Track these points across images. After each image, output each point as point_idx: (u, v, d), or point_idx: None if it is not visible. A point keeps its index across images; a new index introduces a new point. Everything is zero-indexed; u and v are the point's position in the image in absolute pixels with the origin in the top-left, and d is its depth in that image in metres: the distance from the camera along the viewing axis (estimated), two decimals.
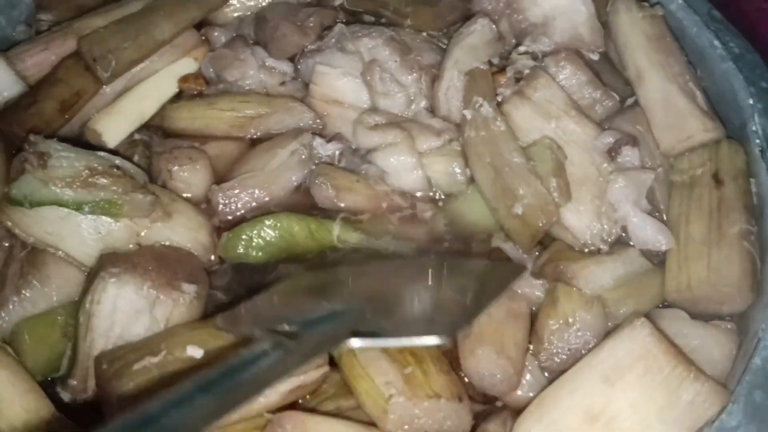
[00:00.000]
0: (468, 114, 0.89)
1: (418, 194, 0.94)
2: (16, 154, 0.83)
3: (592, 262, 0.82)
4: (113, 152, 0.90)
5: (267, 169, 0.93)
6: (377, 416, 0.74)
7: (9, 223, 0.83)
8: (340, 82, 0.98)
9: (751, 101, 0.89)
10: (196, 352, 0.73)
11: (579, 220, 0.85)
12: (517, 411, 0.76)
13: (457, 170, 0.92)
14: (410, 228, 0.91)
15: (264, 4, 1.08)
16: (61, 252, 0.84)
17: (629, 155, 0.88)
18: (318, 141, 0.96)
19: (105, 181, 0.81)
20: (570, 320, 0.80)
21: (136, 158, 0.95)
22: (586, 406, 0.71)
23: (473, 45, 0.96)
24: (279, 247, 0.88)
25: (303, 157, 0.95)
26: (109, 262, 0.80)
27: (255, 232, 0.88)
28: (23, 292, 0.82)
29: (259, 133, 0.99)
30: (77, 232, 0.83)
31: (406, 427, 0.73)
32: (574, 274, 0.81)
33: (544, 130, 0.88)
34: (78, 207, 0.81)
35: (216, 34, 1.07)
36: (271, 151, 0.95)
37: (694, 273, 0.81)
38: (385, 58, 0.98)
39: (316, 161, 0.96)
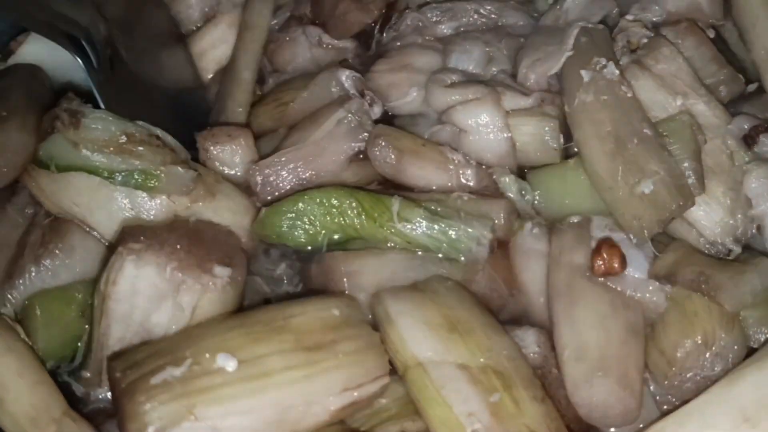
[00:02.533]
0: (586, 75, 0.75)
1: (498, 163, 0.81)
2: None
3: (736, 272, 0.69)
4: None
5: (311, 141, 0.82)
6: None
7: (34, 188, 0.76)
8: (417, 50, 0.90)
9: None
10: (228, 364, 0.60)
11: (708, 215, 0.74)
12: None
13: (551, 136, 0.79)
14: (486, 206, 0.77)
15: None
16: (87, 227, 0.76)
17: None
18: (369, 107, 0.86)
19: (142, 149, 0.73)
20: (709, 341, 0.67)
21: None
22: None
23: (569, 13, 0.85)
24: (327, 227, 0.75)
25: (353, 125, 0.83)
26: (131, 235, 0.69)
27: (296, 208, 0.75)
28: (43, 261, 0.75)
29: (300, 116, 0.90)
30: (108, 206, 0.75)
31: None
32: (719, 286, 0.67)
33: (668, 108, 0.76)
34: (110, 175, 0.72)
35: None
36: (315, 122, 0.85)
37: None
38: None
39: (369, 129, 0.84)
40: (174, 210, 0.75)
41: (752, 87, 0.85)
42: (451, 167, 0.80)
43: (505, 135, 0.80)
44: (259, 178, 0.82)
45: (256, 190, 0.82)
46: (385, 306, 0.69)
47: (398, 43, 0.94)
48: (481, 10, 0.93)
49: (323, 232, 0.76)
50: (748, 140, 0.76)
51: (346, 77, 0.88)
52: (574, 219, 0.76)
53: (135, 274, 0.67)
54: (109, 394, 0.69)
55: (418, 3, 0.97)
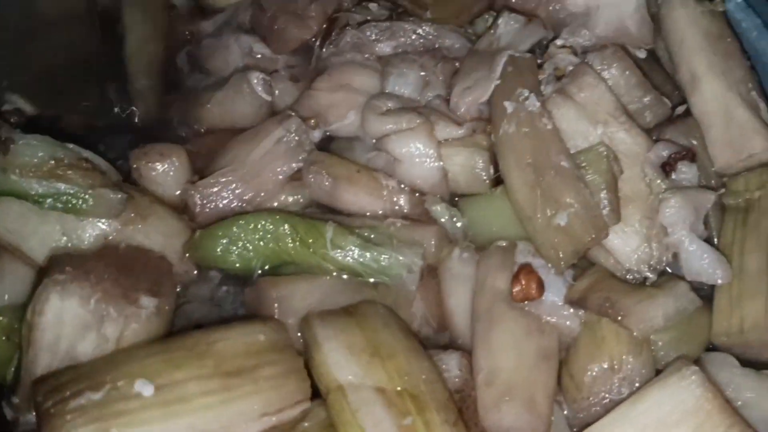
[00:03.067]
0: (509, 106, 0.78)
1: (430, 191, 0.84)
2: None
3: (644, 296, 0.72)
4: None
5: (249, 160, 0.83)
6: None
7: None
8: (355, 69, 0.91)
9: None
10: (145, 389, 0.62)
11: (624, 243, 0.76)
12: None
13: (481, 166, 0.81)
14: (418, 233, 0.79)
15: None
16: (22, 254, 0.77)
17: (686, 172, 0.79)
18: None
19: (71, 173, 0.74)
20: (616, 366, 0.70)
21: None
22: None
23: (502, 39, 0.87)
24: (261, 252, 0.78)
25: (292, 144, 0.85)
26: (57, 265, 0.71)
27: (230, 232, 0.77)
28: None
29: (219, 124, 0.92)
30: (40, 232, 0.76)
31: None
32: (627, 311, 0.70)
33: (589, 137, 0.78)
34: (38, 200, 0.73)
35: (204, 23, 1.02)
36: (253, 140, 0.85)
37: (748, 313, 0.73)
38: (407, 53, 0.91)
39: (308, 149, 0.86)
40: (106, 233, 0.76)
41: (681, 109, 0.86)
42: (384, 194, 0.82)
43: (438, 164, 0.82)
44: (197, 199, 0.83)
45: (194, 211, 0.83)
46: (313, 330, 0.71)
47: (337, 59, 0.94)
48: (420, 31, 0.94)
49: (258, 256, 0.78)
50: (666, 168, 0.78)
51: (258, 80, 0.91)
52: (502, 243, 0.79)
53: (60, 306, 0.70)
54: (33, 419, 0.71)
55: (358, 21, 0.98)
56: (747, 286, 0.73)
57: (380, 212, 0.82)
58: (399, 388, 0.66)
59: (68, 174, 0.73)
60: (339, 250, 0.76)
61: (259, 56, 0.97)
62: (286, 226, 0.76)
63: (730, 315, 0.73)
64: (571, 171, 0.74)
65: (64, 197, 0.73)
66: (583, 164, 0.76)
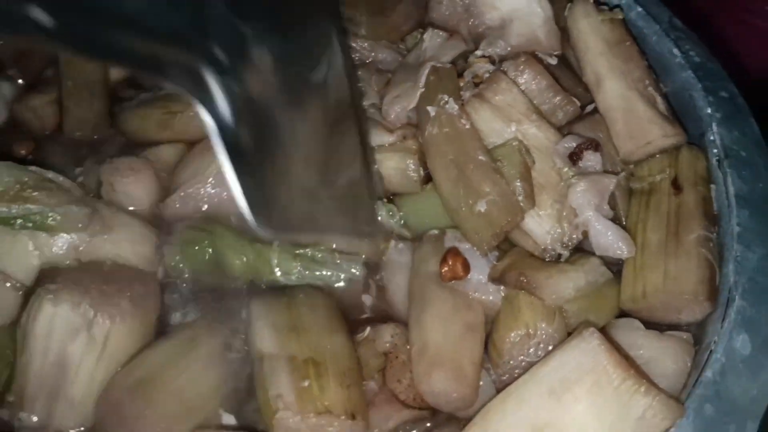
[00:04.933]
0: (432, 111, 0.86)
1: None
2: None
3: (556, 271, 0.80)
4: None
5: (209, 172, 0.89)
6: (267, 429, 0.73)
7: None
8: None
9: (709, 110, 0.88)
10: None
11: (540, 226, 0.83)
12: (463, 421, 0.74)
13: (412, 168, 0.89)
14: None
15: None
16: (3, 275, 0.81)
17: (591, 160, 0.86)
18: None
19: (37, 194, 0.79)
20: (531, 332, 0.78)
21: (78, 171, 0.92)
22: (532, 420, 0.68)
23: (427, 52, 0.95)
24: (211, 266, 0.85)
25: None
26: (48, 278, 0.77)
27: (187, 247, 0.84)
28: None
29: (185, 134, 0.96)
30: (15, 250, 0.81)
31: None
32: (539, 284, 0.78)
33: (504, 134, 0.86)
34: (8, 222, 0.78)
35: None
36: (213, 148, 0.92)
37: (650, 281, 0.78)
38: None
39: None
40: (76, 245, 0.81)
41: (590, 108, 0.93)
42: None
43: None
44: (169, 213, 0.89)
45: (168, 224, 0.88)
46: (250, 309, 0.82)
47: None
48: (356, 45, 1.02)
49: (207, 269, 0.85)
50: (574, 157, 0.85)
51: None
52: (434, 232, 0.88)
53: (52, 312, 0.76)
54: (26, 416, 0.77)
55: None
56: (649, 258, 0.80)
57: None
58: (306, 357, 0.75)
59: (34, 195, 0.78)
60: (285, 275, 0.85)
61: None
62: (235, 251, 0.84)
63: (634, 283, 0.79)
64: (487, 164, 0.82)
65: (33, 217, 0.78)
66: (499, 158, 0.84)
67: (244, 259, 0.84)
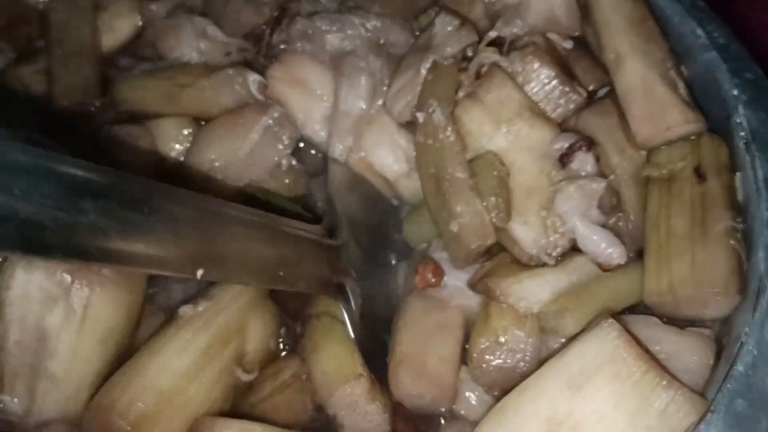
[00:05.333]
0: (420, 117, 0.84)
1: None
2: None
3: (525, 276, 0.78)
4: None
5: (241, 153, 0.87)
6: None
7: None
8: (308, 62, 0.94)
9: (735, 92, 0.84)
10: None
11: (526, 233, 0.81)
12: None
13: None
14: None
15: None
16: None
17: (582, 161, 0.82)
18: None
19: None
20: (501, 339, 0.77)
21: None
22: (550, 413, 0.66)
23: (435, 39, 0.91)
24: None
25: (279, 134, 0.89)
26: None
27: None
28: None
29: (193, 109, 0.93)
30: None
31: None
32: (503, 292, 0.77)
33: (494, 137, 0.83)
34: None
35: (153, 8, 1.02)
36: (238, 131, 0.89)
37: (677, 271, 0.76)
38: (354, 51, 0.95)
39: (287, 139, 0.90)
40: None
41: (602, 92, 0.90)
42: None
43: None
44: None
45: None
46: None
47: (287, 47, 0.97)
48: (367, 25, 0.98)
49: None
50: (564, 159, 0.82)
51: (253, 80, 0.92)
52: (421, 247, 0.88)
53: (26, 279, 0.72)
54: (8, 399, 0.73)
55: (309, 11, 1.01)
56: (675, 246, 0.77)
57: None
58: None
59: None
60: None
61: (212, 38, 0.98)
62: None
63: (659, 274, 0.77)
64: (464, 182, 0.80)
65: None
66: (476, 173, 0.81)
67: None
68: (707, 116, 0.87)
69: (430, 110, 0.82)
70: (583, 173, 0.81)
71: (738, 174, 0.82)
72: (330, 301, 0.82)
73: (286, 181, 0.91)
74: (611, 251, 0.78)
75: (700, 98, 0.89)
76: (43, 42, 1.02)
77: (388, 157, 0.91)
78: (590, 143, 0.82)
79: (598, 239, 0.78)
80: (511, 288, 0.77)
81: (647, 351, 0.68)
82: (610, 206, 0.82)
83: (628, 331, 0.68)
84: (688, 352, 0.73)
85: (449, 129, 0.82)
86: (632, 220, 0.83)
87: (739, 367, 0.68)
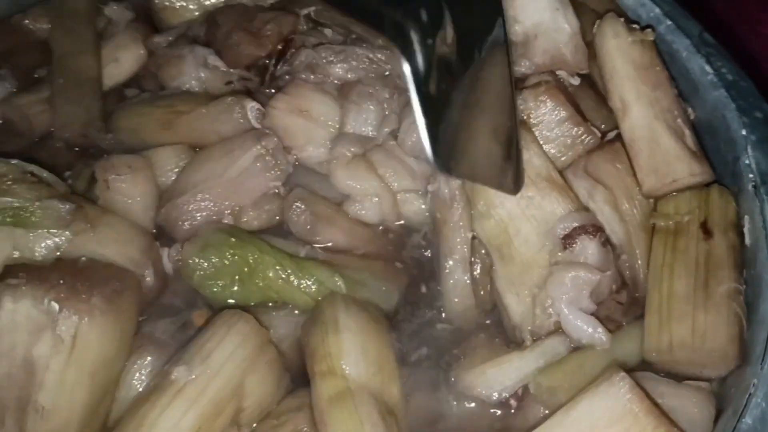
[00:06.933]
0: (431, 188, 0.84)
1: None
2: None
3: (491, 366, 0.78)
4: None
5: (226, 178, 0.85)
6: None
7: None
8: (312, 92, 0.93)
9: (744, 132, 0.83)
10: None
11: (516, 304, 0.81)
12: None
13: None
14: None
15: (218, 4, 1.04)
16: None
17: (584, 248, 0.80)
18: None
19: (16, 187, 0.75)
20: None
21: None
22: None
23: None
24: (247, 288, 0.81)
25: (269, 164, 0.87)
26: (11, 273, 0.71)
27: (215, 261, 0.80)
28: None
29: (190, 136, 0.91)
30: None
31: None
32: (466, 385, 0.79)
33: (506, 201, 0.82)
34: None
35: (156, 40, 1.02)
36: (229, 155, 0.87)
37: (677, 334, 0.75)
38: (361, 81, 0.94)
39: (278, 171, 0.87)
40: (57, 244, 0.76)
41: (612, 135, 0.88)
42: (358, 232, 0.87)
43: (396, 222, 0.90)
44: (179, 216, 0.84)
45: (176, 229, 0.84)
46: None
47: (291, 78, 0.96)
48: (371, 56, 0.97)
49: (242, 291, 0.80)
50: (567, 240, 0.79)
51: (251, 108, 0.92)
52: None
53: (13, 308, 0.70)
54: None
55: (313, 42, 1.01)
56: (676, 308, 0.76)
57: (351, 247, 0.87)
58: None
59: (14, 188, 0.74)
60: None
61: (213, 67, 0.98)
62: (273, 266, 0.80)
63: (659, 334, 0.75)
64: (459, 266, 0.81)
65: (12, 211, 0.73)
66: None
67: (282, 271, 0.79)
68: (716, 158, 0.86)
69: (434, 187, 0.83)
70: (582, 259, 0.79)
71: (746, 217, 0.80)
72: (335, 355, 0.74)
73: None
74: (596, 337, 0.76)
75: (709, 138, 0.88)
76: (45, 71, 1.02)
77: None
78: (598, 230, 0.80)
79: (583, 326, 0.76)
80: (475, 381, 0.78)
81: (657, 405, 0.67)
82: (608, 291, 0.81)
83: (638, 383, 0.68)
84: (690, 406, 0.73)
85: (457, 202, 0.82)
86: (636, 266, 0.82)
87: (748, 420, 0.66)
